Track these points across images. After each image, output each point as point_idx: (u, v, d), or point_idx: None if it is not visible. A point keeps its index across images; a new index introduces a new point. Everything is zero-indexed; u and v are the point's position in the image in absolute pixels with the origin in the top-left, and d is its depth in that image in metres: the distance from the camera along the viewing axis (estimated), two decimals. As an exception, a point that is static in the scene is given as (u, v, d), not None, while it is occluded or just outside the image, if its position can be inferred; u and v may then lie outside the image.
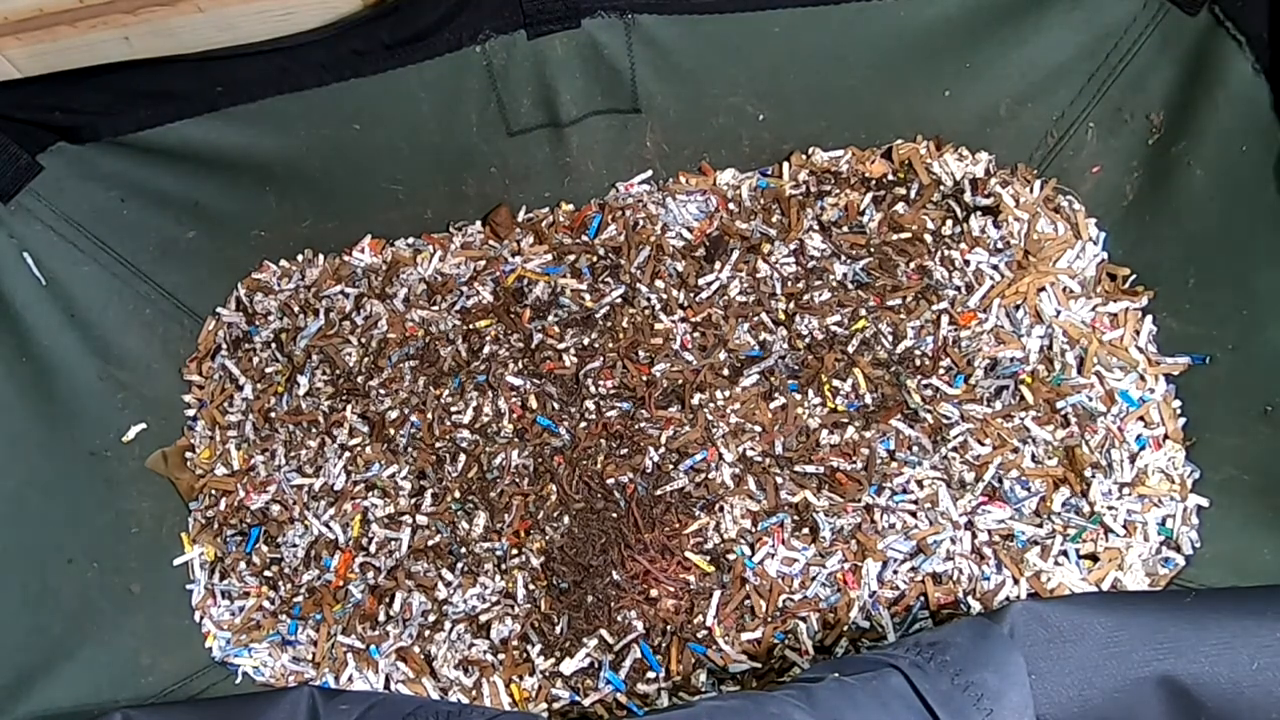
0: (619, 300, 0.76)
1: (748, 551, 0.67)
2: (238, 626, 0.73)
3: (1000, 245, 0.75)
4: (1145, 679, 0.42)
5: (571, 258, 0.79)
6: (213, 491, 0.78)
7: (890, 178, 0.79)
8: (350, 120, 0.70)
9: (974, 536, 0.65)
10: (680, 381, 0.72)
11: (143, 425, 0.76)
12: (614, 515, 0.69)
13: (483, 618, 0.68)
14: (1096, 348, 0.70)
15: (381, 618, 0.70)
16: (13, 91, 0.64)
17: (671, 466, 0.70)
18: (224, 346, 0.82)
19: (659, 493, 0.69)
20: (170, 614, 0.74)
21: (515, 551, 0.70)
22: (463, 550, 0.70)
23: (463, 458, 0.73)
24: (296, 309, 0.82)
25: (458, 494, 0.72)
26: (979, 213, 0.76)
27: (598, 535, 0.68)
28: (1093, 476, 0.66)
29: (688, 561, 0.67)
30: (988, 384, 0.70)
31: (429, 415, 0.75)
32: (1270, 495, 0.61)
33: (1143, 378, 0.70)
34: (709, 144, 0.80)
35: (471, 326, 0.78)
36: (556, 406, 0.73)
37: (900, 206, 0.77)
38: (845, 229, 0.77)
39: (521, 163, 0.78)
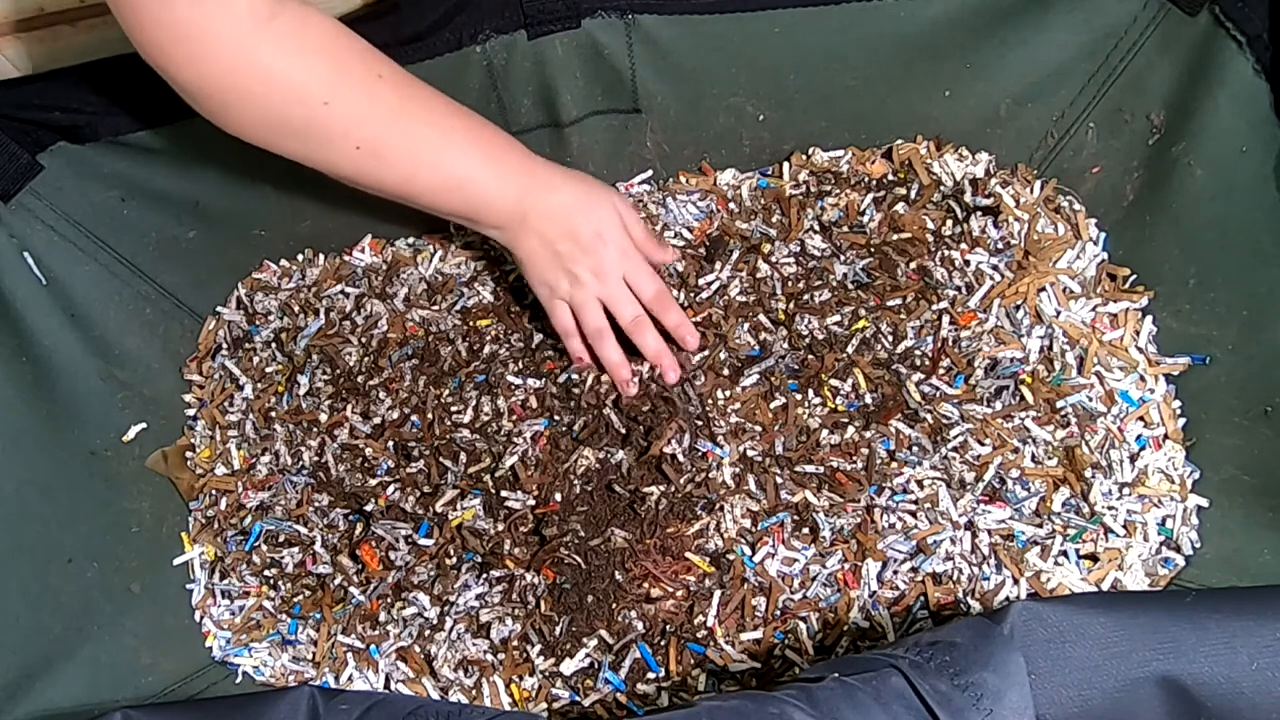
0: (619, 300, 0.76)
1: (748, 551, 0.67)
2: (238, 626, 0.73)
3: (1000, 245, 0.75)
4: (1145, 679, 0.42)
5: (571, 258, 0.79)
6: (213, 491, 0.78)
7: (890, 178, 0.79)
8: (350, 120, 0.70)
9: (974, 536, 0.65)
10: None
11: (143, 425, 0.76)
12: (615, 515, 0.69)
13: (483, 618, 0.68)
14: (1096, 348, 0.70)
15: (382, 618, 0.70)
16: (13, 91, 0.64)
17: (671, 466, 0.70)
18: (224, 346, 0.82)
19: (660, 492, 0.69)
20: (170, 614, 0.74)
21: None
22: (464, 550, 0.70)
23: (463, 457, 0.73)
24: (297, 309, 0.82)
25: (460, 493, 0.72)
26: (979, 213, 0.76)
27: (599, 535, 0.68)
28: (1093, 477, 0.66)
29: (688, 561, 0.67)
30: (988, 384, 0.70)
31: (429, 415, 0.75)
32: (1270, 495, 0.61)
33: (1143, 378, 0.70)
34: (709, 144, 0.80)
35: (472, 326, 0.78)
36: (557, 406, 0.73)
37: (900, 206, 0.77)
38: (845, 229, 0.77)
39: (521, 163, 0.78)
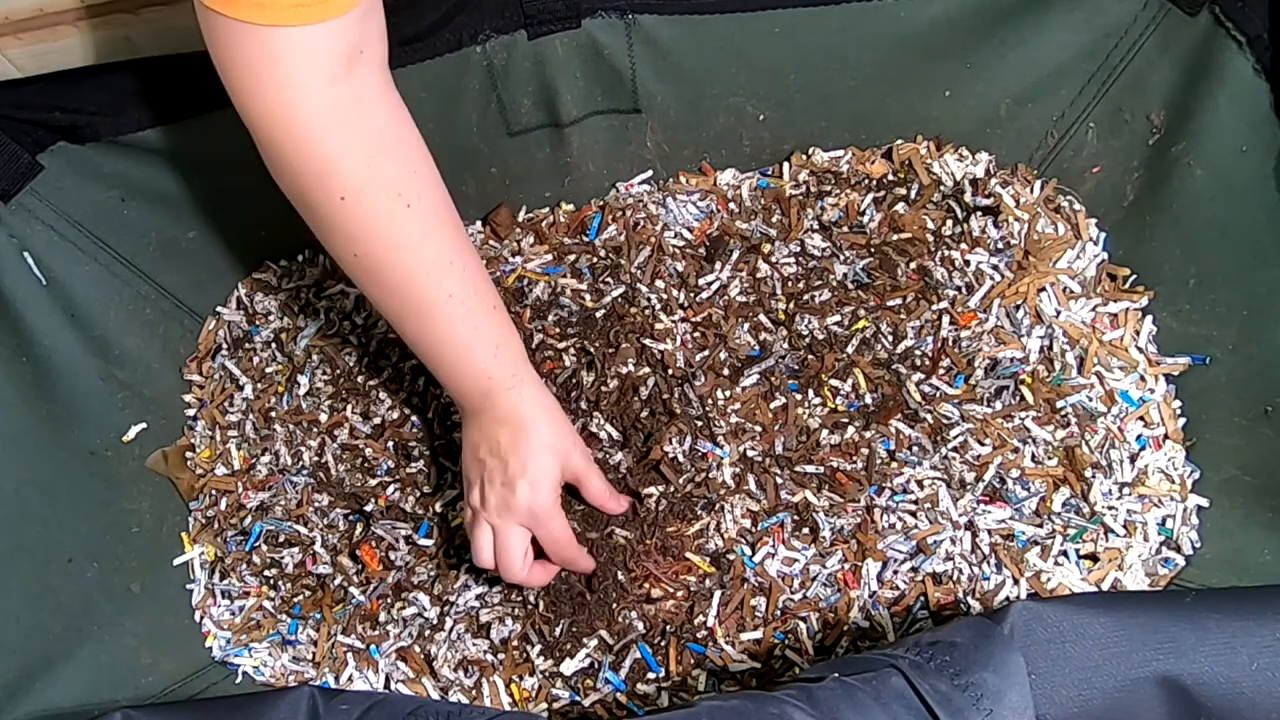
0: (619, 300, 0.76)
1: (748, 551, 0.67)
2: (238, 626, 0.73)
3: (1000, 245, 0.75)
4: (1145, 679, 0.42)
5: (571, 258, 0.79)
6: (213, 491, 0.78)
7: (890, 178, 0.79)
8: (350, 120, 0.70)
9: (974, 536, 0.65)
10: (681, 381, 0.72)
11: (143, 425, 0.76)
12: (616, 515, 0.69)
13: (483, 618, 0.68)
14: (1096, 348, 0.70)
15: (382, 618, 0.70)
16: (13, 91, 0.64)
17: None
18: (224, 346, 0.82)
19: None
20: (170, 614, 0.74)
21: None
22: (464, 550, 0.70)
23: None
24: (296, 309, 0.82)
25: (459, 493, 0.72)
26: (979, 213, 0.76)
27: (599, 535, 0.68)
28: (1093, 476, 0.66)
29: (688, 561, 0.67)
30: (988, 384, 0.70)
31: (429, 415, 0.75)
32: (1270, 495, 0.61)
33: (1143, 378, 0.70)
34: (709, 144, 0.80)
35: (471, 326, 0.78)
36: (556, 406, 0.73)
37: (900, 206, 0.77)
38: (845, 229, 0.77)
39: (521, 163, 0.78)
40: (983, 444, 0.68)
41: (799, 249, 0.77)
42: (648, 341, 0.73)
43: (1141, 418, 0.69)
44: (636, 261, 0.78)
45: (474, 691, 0.67)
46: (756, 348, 0.73)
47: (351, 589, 0.71)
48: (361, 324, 0.80)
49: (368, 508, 0.73)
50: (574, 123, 0.75)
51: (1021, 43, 0.71)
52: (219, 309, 0.84)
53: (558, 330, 0.76)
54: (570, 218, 0.82)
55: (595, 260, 0.79)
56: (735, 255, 0.77)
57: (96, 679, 0.66)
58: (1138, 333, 0.71)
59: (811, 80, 0.74)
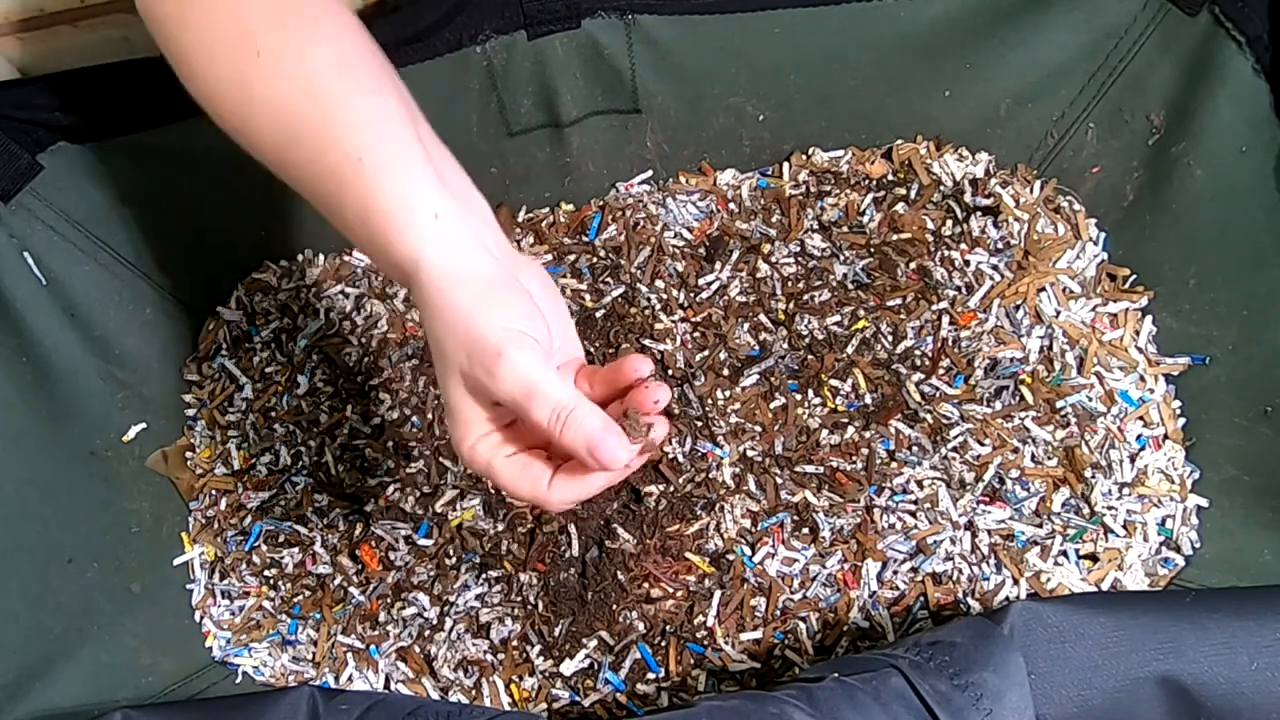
0: (619, 300, 0.76)
1: (748, 551, 0.67)
2: (238, 626, 0.73)
3: (1000, 245, 0.75)
4: (1145, 679, 0.42)
5: (571, 258, 0.79)
6: (213, 491, 0.78)
7: (890, 178, 0.79)
8: (350, 120, 0.70)
9: (974, 536, 0.65)
10: (680, 381, 0.72)
11: (143, 425, 0.76)
12: (616, 515, 0.69)
13: (483, 618, 0.68)
14: (1096, 348, 0.70)
15: (382, 618, 0.70)
16: (13, 91, 0.64)
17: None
18: (224, 346, 0.82)
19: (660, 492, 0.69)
20: (170, 614, 0.74)
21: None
22: (464, 550, 0.70)
23: (463, 458, 0.73)
24: (296, 309, 0.82)
25: (459, 493, 0.72)
26: (979, 213, 0.76)
27: (599, 535, 0.68)
28: (1093, 477, 0.66)
29: (688, 561, 0.67)
30: (988, 384, 0.70)
31: (429, 415, 0.75)
32: (1270, 495, 0.61)
33: (1143, 378, 0.70)
34: (709, 144, 0.80)
35: (471, 326, 0.78)
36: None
37: (900, 207, 0.77)
38: (845, 229, 0.77)
39: (521, 163, 0.78)
40: (982, 444, 0.68)
41: (799, 249, 0.77)
42: (648, 341, 0.73)
43: (1141, 418, 0.69)
44: (636, 261, 0.78)
45: (474, 691, 0.67)
46: (756, 348, 0.73)
47: (351, 589, 0.71)
48: (361, 324, 0.80)
49: (368, 508, 0.73)
50: (574, 123, 0.75)
51: (1021, 43, 0.71)
52: (219, 309, 0.83)
53: (558, 330, 0.76)
54: (570, 218, 0.82)
55: (595, 260, 0.79)
56: (735, 255, 0.77)
57: (96, 679, 0.66)
58: (1137, 333, 0.71)
59: (811, 80, 0.74)
